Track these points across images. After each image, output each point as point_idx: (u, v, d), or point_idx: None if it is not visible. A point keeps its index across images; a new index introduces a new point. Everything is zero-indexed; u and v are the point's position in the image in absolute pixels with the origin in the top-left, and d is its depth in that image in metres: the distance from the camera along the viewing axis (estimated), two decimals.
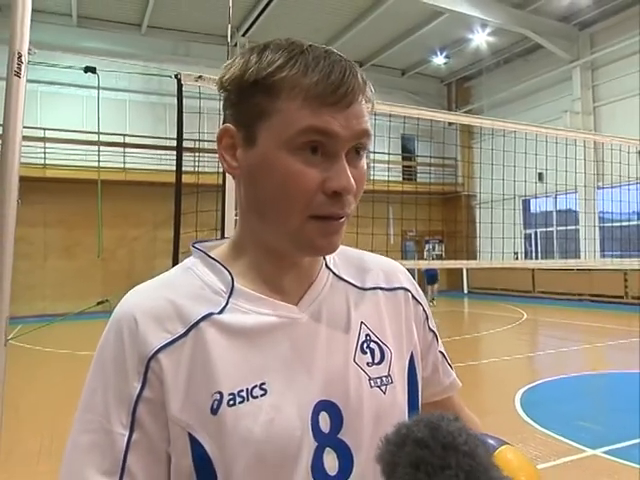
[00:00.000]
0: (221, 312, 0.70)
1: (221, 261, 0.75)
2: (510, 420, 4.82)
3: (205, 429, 0.66)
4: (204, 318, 0.69)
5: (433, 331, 0.89)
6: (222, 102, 0.74)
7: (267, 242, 0.73)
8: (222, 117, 0.76)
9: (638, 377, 6.51)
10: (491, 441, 0.74)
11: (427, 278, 15.91)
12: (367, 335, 0.77)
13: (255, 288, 0.73)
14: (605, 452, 3.99)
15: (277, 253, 0.74)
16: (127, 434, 0.66)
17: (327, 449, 0.69)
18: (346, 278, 0.81)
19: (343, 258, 0.83)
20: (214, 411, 0.66)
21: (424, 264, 9.49)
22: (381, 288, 0.83)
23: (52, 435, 4.55)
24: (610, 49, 15.03)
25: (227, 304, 0.71)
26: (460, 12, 14.23)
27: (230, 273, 0.74)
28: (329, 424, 0.70)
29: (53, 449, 4.16)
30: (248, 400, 0.67)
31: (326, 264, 0.80)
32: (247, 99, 0.69)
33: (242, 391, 0.67)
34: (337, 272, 0.81)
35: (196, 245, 0.79)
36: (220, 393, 0.66)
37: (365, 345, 0.76)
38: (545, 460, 3.87)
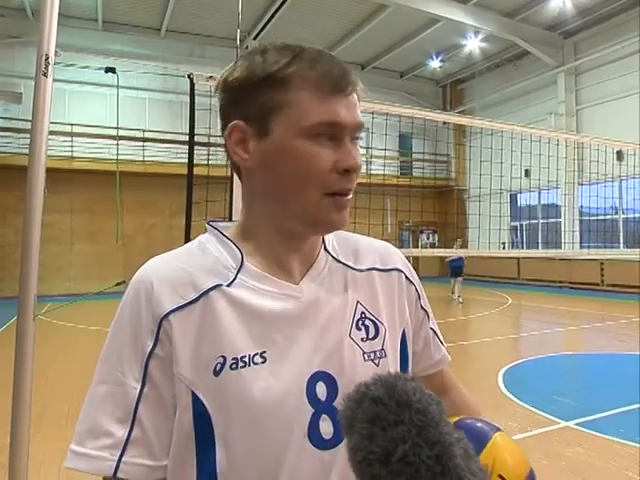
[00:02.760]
0: (229, 285, 0.71)
1: (234, 240, 0.76)
2: (493, 395, 4.85)
3: (207, 388, 0.67)
4: (214, 288, 0.70)
5: (425, 309, 0.88)
6: (222, 102, 0.74)
7: (281, 224, 0.73)
8: (220, 116, 0.75)
9: (609, 357, 6.55)
10: (485, 427, 0.71)
11: (451, 269, 12.70)
12: (362, 313, 0.78)
13: (261, 267, 0.74)
14: (576, 424, 4.02)
15: (288, 234, 0.74)
16: (139, 387, 0.67)
17: (323, 416, 0.69)
18: (343, 261, 0.81)
19: (341, 242, 0.83)
20: (216, 373, 0.67)
21: (417, 252, 9.45)
22: (376, 269, 0.83)
23: (78, 401, 4.60)
24: (592, 56, 14.90)
25: (235, 279, 0.72)
26: (455, 20, 14.13)
27: (241, 252, 0.74)
28: (325, 393, 0.70)
29: (79, 414, 4.21)
30: (250, 366, 0.67)
31: (325, 247, 0.80)
32: (257, 95, 0.69)
33: (244, 357, 0.68)
34: (335, 255, 0.81)
35: (212, 224, 0.79)
36: (224, 357, 0.67)
37: (360, 322, 0.77)
38: (523, 431, 3.90)
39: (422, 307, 0.88)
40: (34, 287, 1.85)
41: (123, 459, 0.65)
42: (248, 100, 0.70)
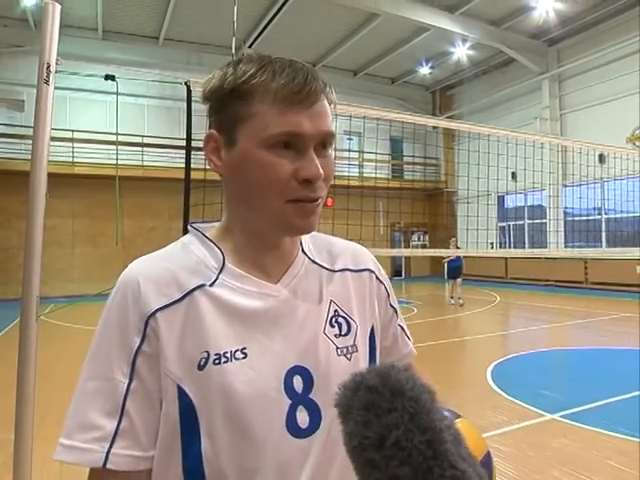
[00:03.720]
0: (211, 285, 0.72)
1: (215, 241, 0.77)
2: (482, 390, 4.87)
3: (192, 382, 0.68)
4: (197, 288, 0.72)
5: (394, 307, 0.90)
6: (207, 110, 0.76)
7: (252, 227, 0.75)
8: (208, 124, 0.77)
9: (593, 352, 6.60)
10: (449, 415, 0.76)
11: (449, 271, 11.71)
12: (336, 311, 0.80)
13: (241, 267, 0.75)
14: (562, 416, 4.04)
15: (260, 237, 0.76)
16: (127, 382, 0.68)
17: (300, 407, 0.72)
18: (319, 262, 0.83)
19: (317, 244, 0.85)
20: (200, 367, 0.68)
21: (408, 252, 9.45)
22: (349, 270, 0.85)
23: None
24: (575, 63, 15.01)
25: (217, 279, 0.73)
26: (443, 28, 14.20)
27: (222, 252, 0.76)
28: (302, 386, 0.72)
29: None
30: (231, 361, 0.69)
31: (302, 249, 0.82)
32: (226, 106, 0.71)
33: (227, 352, 0.69)
34: (311, 256, 0.82)
35: (193, 225, 0.81)
36: (207, 352, 0.69)
37: (334, 319, 0.79)
38: (510, 423, 3.92)
39: (391, 305, 0.90)
40: (37, 289, 1.85)
41: (112, 450, 0.66)
42: (220, 111, 0.72)
